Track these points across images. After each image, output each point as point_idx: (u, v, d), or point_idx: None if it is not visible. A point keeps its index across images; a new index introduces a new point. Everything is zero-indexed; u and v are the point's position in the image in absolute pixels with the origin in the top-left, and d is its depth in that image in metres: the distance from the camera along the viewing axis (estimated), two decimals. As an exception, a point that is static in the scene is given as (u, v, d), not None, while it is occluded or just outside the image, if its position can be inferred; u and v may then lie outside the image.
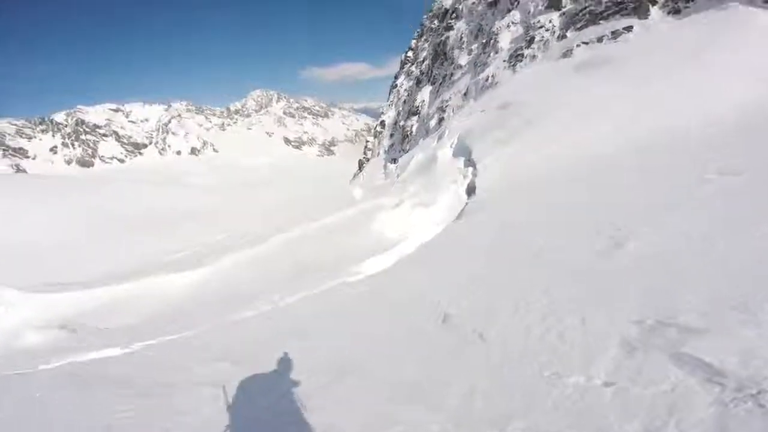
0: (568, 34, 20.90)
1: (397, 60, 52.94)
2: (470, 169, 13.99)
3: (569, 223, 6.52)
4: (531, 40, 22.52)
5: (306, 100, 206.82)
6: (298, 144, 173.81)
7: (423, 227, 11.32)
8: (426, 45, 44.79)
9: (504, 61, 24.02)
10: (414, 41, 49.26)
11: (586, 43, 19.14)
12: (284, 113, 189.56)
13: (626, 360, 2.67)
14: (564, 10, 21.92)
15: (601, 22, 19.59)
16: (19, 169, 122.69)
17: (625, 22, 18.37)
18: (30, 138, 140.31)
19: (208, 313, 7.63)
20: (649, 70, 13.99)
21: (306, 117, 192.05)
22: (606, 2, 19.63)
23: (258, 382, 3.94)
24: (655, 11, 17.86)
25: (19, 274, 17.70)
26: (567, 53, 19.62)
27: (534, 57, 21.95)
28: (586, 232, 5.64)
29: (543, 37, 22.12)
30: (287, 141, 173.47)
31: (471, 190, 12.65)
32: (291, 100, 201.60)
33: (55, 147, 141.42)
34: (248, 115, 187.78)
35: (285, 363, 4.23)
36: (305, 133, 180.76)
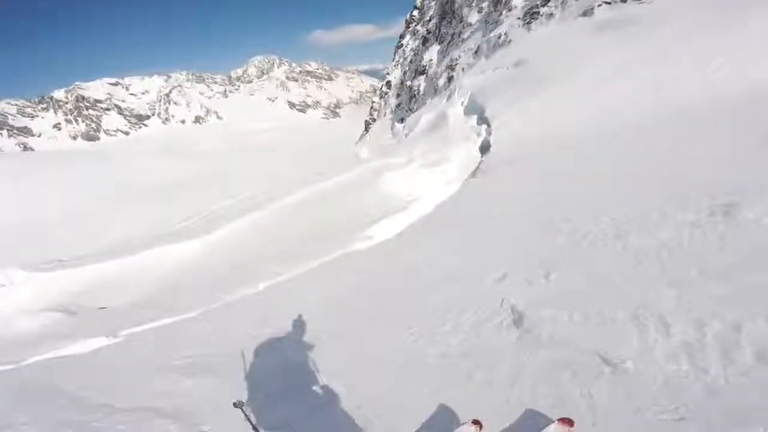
0: (589, -8, 19.31)
1: (402, 20, 50.28)
2: (484, 126, 13.38)
3: (628, 187, 5.20)
4: (548, -1, 20.83)
5: (309, 65, 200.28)
6: (303, 107, 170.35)
7: (434, 186, 10.99)
8: (432, 3, 42.27)
9: (518, 18, 22.52)
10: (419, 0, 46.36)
11: (608, 3, 17.77)
12: (287, 78, 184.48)
13: None
14: (585, -33, 20.11)
15: (625, -20, 17.93)
16: (26, 148, 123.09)
17: (654, -19, 16.74)
18: (32, 117, 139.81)
19: (203, 292, 7.19)
20: (681, 31, 12.73)
21: (309, 81, 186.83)
22: (632, -40, 17.91)
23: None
24: (690, -33, 16.12)
25: (28, 252, 18.06)
26: (587, 12, 18.28)
27: (551, 15, 20.51)
28: (660, 195, 4.41)
29: (561, -5, 20.45)
30: (291, 105, 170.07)
31: (485, 148, 12.17)
32: (293, 64, 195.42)
33: (59, 124, 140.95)
34: (250, 81, 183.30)
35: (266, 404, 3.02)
36: (309, 96, 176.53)
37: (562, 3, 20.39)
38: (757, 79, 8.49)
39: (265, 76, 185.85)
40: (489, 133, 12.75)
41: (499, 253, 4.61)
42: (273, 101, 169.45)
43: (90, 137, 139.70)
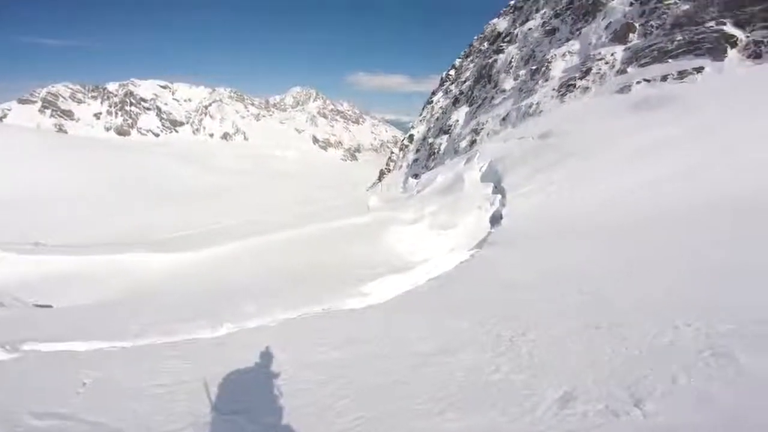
0: (629, 69, 19.64)
1: (436, 77, 52.70)
2: (498, 197, 12.93)
3: (686, 285, 4.75)
4: (587, 72, 21.36)
5: (341, 104, 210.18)
6: (325, 145, 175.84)
7: (440, 250, 10.31)
8: (471, 65, 44.27)
9: (553, 89, 22.88)
10: (459, 60, 48.82)
11: (648, 81, 17.79)
12: (318, 113, 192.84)
13: None
14: (630, 44, 20.68)
15: (669, 60, 18.14)
16: (60, 130, 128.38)
17: (697, 62, 16.90)
18: (80, 102, 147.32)
19: (156, 315, 6.20)
20: (720, 115, 12.50)
21: (337, 120, 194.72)
22: (679, 40, 18.21)
23: None
24: (733, 54, 16.36)
25: (18, 229, 17.54)
26: (624, 89, 18.37)
27: (587, 89, 20.77)
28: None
29: (600, 69, 20.92)
30: (315, 140, 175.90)
31: (495, 220, 11.58)
32: (327, 101, 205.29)
33: (99, 113, 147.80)
34: (284, 110, 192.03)
35: None
36: (333, 135, 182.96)
37: (600, 77, 20.55)
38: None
39: (299, 107, 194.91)
40: (503, 204, 12.26)
41: (542, 355, 3.59)
42: (300, 133, 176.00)
43: (121, 132, 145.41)
